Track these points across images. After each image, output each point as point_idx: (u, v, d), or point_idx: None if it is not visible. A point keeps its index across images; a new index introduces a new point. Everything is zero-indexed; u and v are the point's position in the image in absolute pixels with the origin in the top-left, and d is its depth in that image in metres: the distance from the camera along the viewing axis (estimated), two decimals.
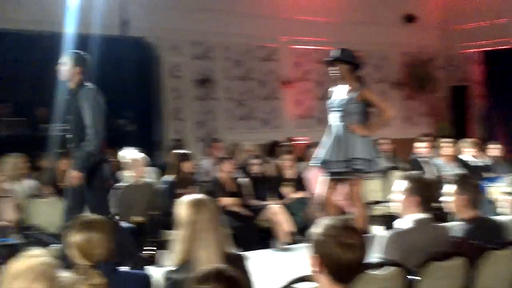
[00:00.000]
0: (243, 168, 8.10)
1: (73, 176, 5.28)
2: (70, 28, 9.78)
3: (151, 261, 6.09)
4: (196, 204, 3.08)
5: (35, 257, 1.78)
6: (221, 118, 12.25)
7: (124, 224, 6.39)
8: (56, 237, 6.28)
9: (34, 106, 10.47)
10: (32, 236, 6.11)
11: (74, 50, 5.59)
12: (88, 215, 3.46)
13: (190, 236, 3.00)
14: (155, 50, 11.55)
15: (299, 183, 7.65)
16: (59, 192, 6.89)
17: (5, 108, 10.29)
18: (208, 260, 2.87)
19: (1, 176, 6.28)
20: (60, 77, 5.51)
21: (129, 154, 6.88)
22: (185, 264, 2.97)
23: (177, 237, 3.07)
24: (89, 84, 5.44)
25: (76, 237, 2.81)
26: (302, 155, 9.43)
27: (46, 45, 10.02)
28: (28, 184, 6.93)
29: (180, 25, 11.30)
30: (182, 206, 3.10)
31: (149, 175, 7.58)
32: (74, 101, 5.42)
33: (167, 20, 11.12)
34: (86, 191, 5.38)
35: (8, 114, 10.18)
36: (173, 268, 3.01)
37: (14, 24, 9.95)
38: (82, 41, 9.82)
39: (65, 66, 5.44)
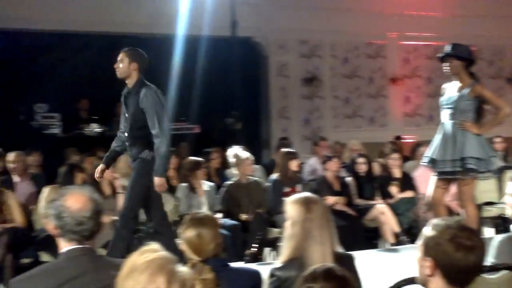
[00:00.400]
0: (349, 167, 8.02)
1: (157, 184, 5.07)
2: (181, 30, 10.11)
3: (257, 258, 6.18)
4: (308, 202, 3.07)
5: (153, 251, 1.82)
6: (327, 116, 12.20)
7: (230, 221, 6.51)
8: None
9: None
10: (145, 231, 6.35)
11: (130, 47, 5.28)
12: (199, 212, 3.53)
13: (300, 234, 2.99)
14: (263, 49, 11.70)
15: (407, 183, 7.46)
16: (169, 189, 7.13)
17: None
18: (319, 258, 2.86)
19: (116, 173, 6.56)
20: (117, 75, 5.24)
21: (236, 152, 6.98)
22: (291, 262, 2.97)
23: (286, 234, 3.08)
24: (148, 83, 5.18)
25: (187, 233, 2.90)
26: (410, 154, 9.20)
27: (159, 47, 10.44)
28: None
29: (288, 24, 11.37)
30: (293, 204, 3.09)
31: (256, 173, 7.67)
32: (132, 100, 5.19)
33: (275, 20, 11.23)
34: (129, 185, 5.28)
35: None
36: (279, 265, 3.02)
37: (130, 28, 10.42)
38: (193, 42, 10.14)
39: (121, 63, 5.17)
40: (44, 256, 5.80)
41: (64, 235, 2.49)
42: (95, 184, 6.06)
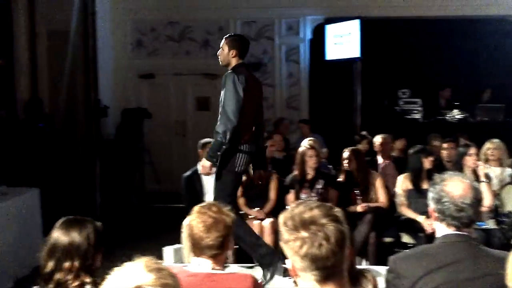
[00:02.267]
0: None
1: (202, 164, 5.01)
2: None
3: None
4: None
5: None
6: None
7: None
8: None
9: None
10: (507, 223, 6.07)
11: (231, 34, 5.26)
12: None
13: None
14: None
15: None
16: None
17: (488, 94, 10.49)
18: None
19: (479, 161, 6.37)
20: (220, 63, 5.18)
21: None
22: None
23: None
24: (238, 69, 4.96)
25: None
26: None
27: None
28: (504, 170, 6.87)
29: None
30: None
31: None
32: None
33: None
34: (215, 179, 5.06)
35: (488, 100, 10.34)
36: None
37: (486, 10, 10.01)
38: None
39: (221, 51, 5.09)
40: (405, 237, 5.97)
41: (443, 220, 2.52)
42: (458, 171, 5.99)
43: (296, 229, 1.80)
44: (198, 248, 2.69)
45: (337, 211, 1.89)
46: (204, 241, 2.65)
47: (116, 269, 1.59)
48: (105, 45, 9.94)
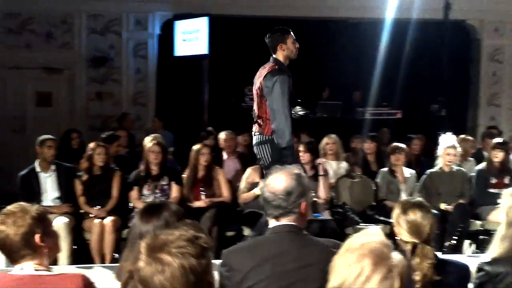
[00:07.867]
0: None
1: None
2: (390, 14, 9.94)
3: (456, 250, 5.94)
4: None
5: (371, 235, 1.81)
6: None
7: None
8: (362, 216, 6.51)
9: (350, 90, 10.96)
10: (341, 214, 6.39)
11: None
12: (412, 198, 3.37)
13: None
14: (476, 33, 11.10)
15: None
16: (368, 173, 7.13)
17: (326, 93, 10.98)
18: None
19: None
20: None
21: (443, 140, 6.69)
22: (502, 258, 2.82)
23: (499, 233, 2.89)
24: None
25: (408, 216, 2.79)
26: None
27: (365, 32, 10.41)
28: (339, 164, 7.25)
29: (506, 5, 10.54)
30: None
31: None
32: None
33: (491, 1, 10.53)
34: None
35: (326, 98, 10.84)
36: (488, 260, 2.87)
37: (336, 12, 10.48)
38: (401, 26, 9.91)
39: None
40: (246, 231, 6.10)
41: (266, 211, 2.60)
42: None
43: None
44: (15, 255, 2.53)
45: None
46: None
47: None
48: None
